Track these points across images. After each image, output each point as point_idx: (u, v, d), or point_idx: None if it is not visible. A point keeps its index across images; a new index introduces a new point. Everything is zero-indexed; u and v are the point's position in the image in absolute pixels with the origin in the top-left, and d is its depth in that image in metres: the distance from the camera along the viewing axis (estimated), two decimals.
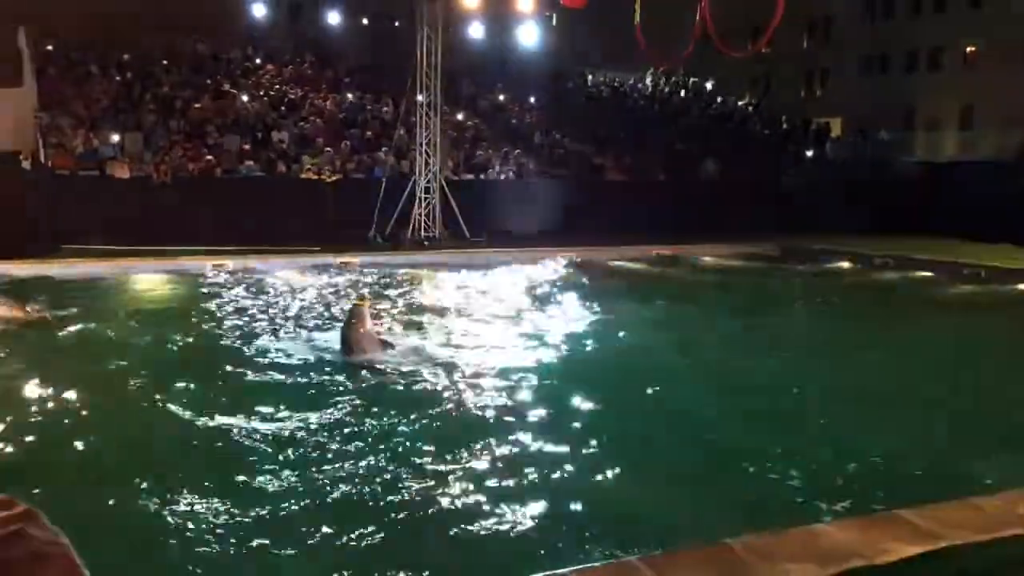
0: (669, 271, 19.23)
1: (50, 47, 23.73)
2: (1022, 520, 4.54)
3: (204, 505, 5.70)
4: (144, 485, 6.01)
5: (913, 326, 13.33)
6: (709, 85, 35.87)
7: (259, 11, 28.59)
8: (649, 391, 8.99)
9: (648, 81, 35.57)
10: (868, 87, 37.96)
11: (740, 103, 35.25)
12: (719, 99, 34.47)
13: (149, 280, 15.66)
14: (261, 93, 24.54)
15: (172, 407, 7.87)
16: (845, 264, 20.08)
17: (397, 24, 29.31)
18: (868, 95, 37.35)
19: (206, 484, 6.05)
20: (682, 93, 34.06)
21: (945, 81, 35.67)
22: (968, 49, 35.50)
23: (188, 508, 5.66)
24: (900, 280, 18.20)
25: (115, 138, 20.15)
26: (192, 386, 8.62)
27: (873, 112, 36.66)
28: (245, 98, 23.54)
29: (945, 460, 6.98)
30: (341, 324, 10.22)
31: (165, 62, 24.78)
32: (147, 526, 5.47)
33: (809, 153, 29.64)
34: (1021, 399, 8.80)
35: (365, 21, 32.30)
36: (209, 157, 20.28)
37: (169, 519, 5.50)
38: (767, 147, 28.78)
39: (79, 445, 7.00)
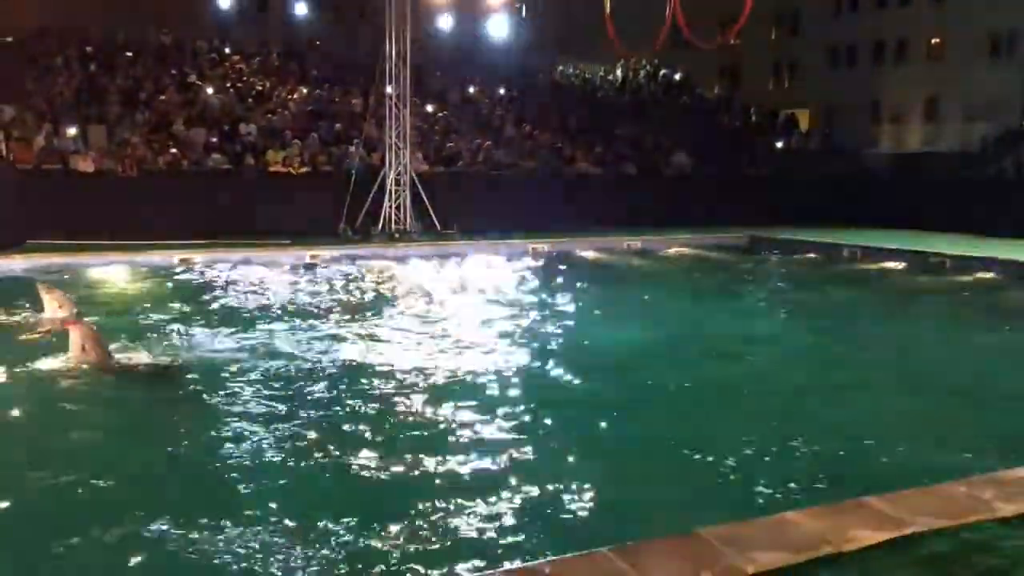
0: (636, 262, 19.37)
1: (10, 39, 23.25)
2: (987, 506, 4.61)
3: None
4: None
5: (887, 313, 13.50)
6: (678, 76, 35.93)
7: (225, 1, 28.23)
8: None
9: (619, 73, 35.57)
10: (835, 79, 38.27)
11: (709, 95, 35.37)
12: (689, 90, 34.53)
13: (101, 275, 15.27)
14: (228, 85, 24.21)
15: None
16: (812, 255, 20.29)
17: (365, 15, 29.06)
18: (835, 87, 37.67)
19: None
20: (651, 85, 34.08)
21: (910, 73, 36.07)
22: (933, 41, 35.91)
23: None
24: (870, 270, 18.43)
25: (76, 131, 19.78)
26: None
27: (840, 104, 37.03)
28: (211, 90, 23.22)
29: None
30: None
31: (129, 53, 24.37)
32: None
33: (779, 144, 29.83)
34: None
35: (333, 12, 32.00)
36: (175, 150, 20.00)
37: None
38: (736, 138, 28.92)
39: None
